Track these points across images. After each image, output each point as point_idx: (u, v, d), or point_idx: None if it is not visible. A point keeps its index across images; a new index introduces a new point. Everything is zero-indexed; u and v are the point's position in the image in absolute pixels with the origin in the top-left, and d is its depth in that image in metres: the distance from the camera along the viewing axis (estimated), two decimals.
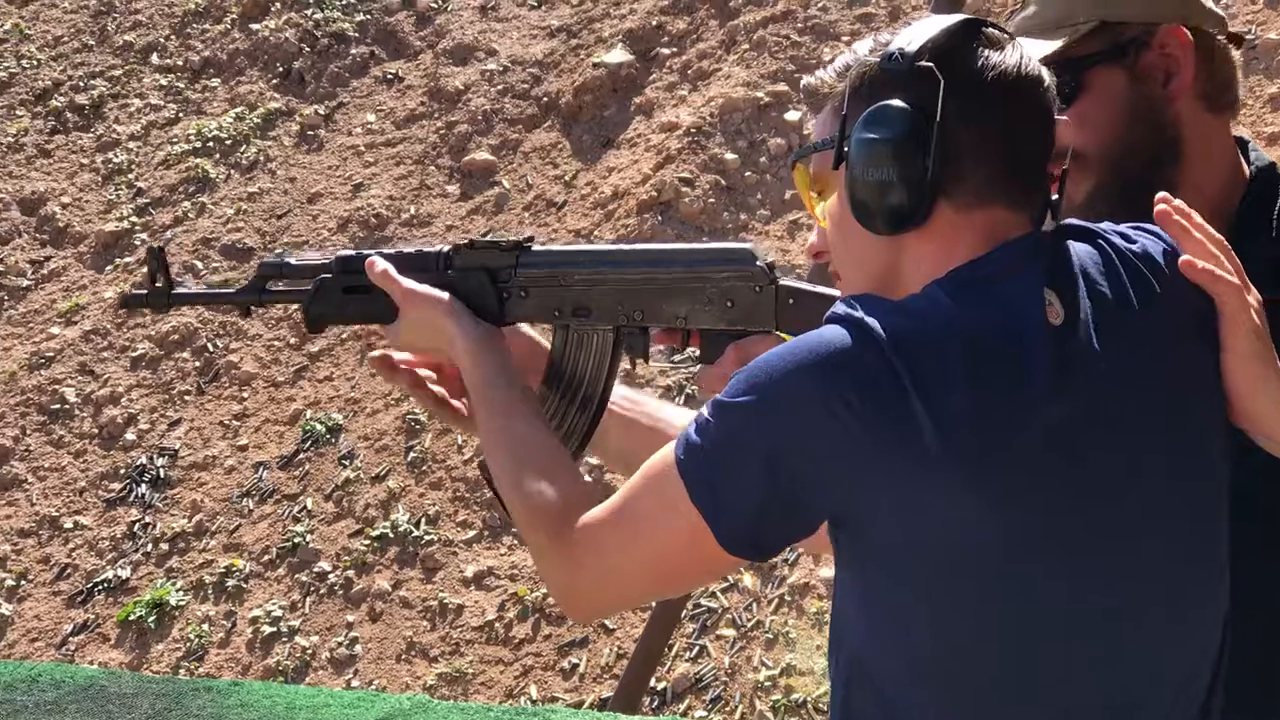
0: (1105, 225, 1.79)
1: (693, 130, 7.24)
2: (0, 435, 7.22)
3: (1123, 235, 1.77)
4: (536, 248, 2.20)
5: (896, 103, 1.68)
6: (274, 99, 8.46)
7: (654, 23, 7.93)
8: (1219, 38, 2.13)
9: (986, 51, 1.70)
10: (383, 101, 8.23)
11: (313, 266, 2.29)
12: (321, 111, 8.30)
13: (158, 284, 2.36)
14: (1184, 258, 1.72)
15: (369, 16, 8.64)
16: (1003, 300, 1.63)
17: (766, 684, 5.38)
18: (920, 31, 1.70)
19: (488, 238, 2.22)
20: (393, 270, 2.17)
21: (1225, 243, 1.76)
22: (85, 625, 6.36)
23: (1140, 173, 2.02)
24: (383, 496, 6.43)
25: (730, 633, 5.55)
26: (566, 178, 7.46)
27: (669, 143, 7.25)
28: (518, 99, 7.92)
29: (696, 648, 5.54)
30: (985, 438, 1.57)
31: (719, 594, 5.66)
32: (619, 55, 7.81)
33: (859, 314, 1.61)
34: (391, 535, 6.27)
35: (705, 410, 1.67)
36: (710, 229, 6.80)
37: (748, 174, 7.10)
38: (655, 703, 5.39)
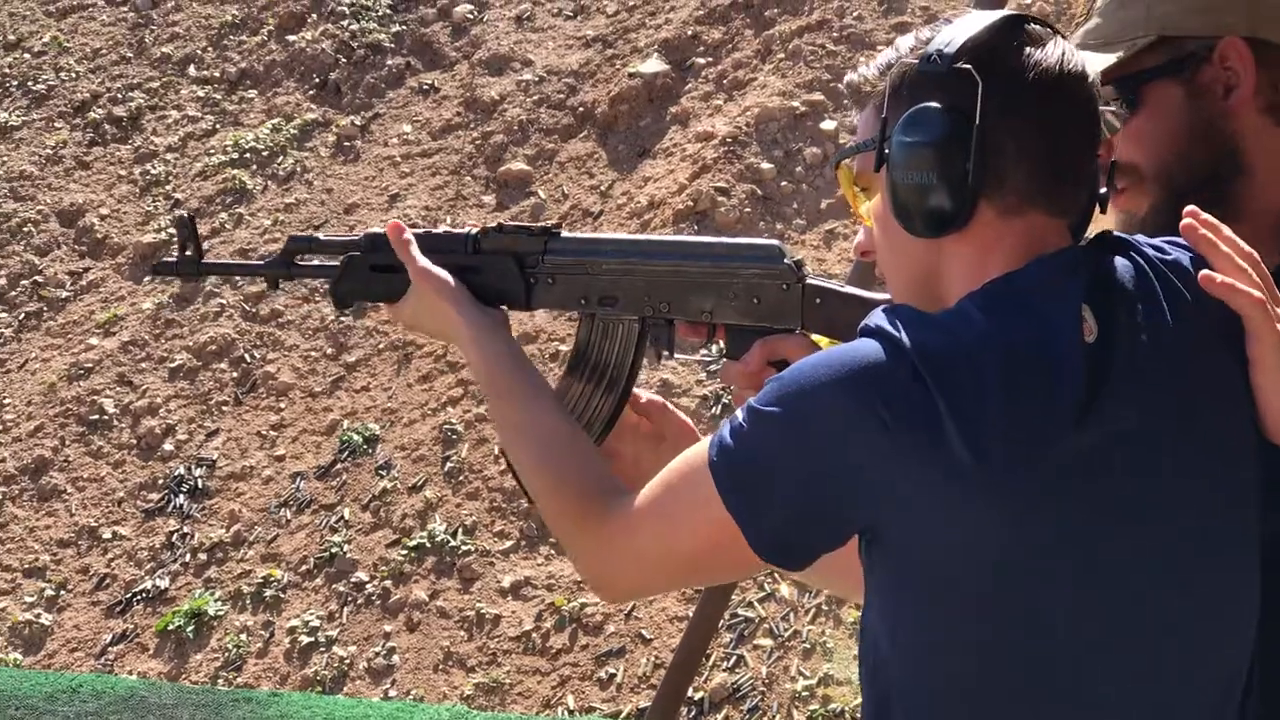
0: (1139, 237, 1.79)
1: (729, 140, 7.24)
2: (39, 446, 7.25)
3: (1156, 247, 1.77)
4: (565, 234, 2.19)
5: (935, 105, 1.67)
6: (310, 110, 8.49)
7: (689, 33, 7.93)
8: None
9: (1028, 49, 1.69)
10: (419, 112, 8.25)
11: (342, 243, 2.29)
12: (358, 122, 8.33)
13: (188, 253, 2.36)
14: (1203, 272, 1.70)
15: (405, 27, 8.67)
16: (1040, 315, 1.62)
17: (804, 694, 5.37)
18: (961, 30, 1.69)
19: (516, 222, 2.22)
20: (414, 245, 2.17)
21: (1255, 256, 1.74)
22: (124, 635, 6.37)
23: (1199, 188, 1.99)
24: (420, 507, 6.44)
25: (768, 642, 5.54)
26: (602, 188, 7.47)
27: (705, 152, 7.25)
28: (553, 109, 7.93)
29: (734, 657, 5.54)
30: (1017, 452, 1.56)
31: (756, 604, 5.65)
32: (655, 65, 7.82)
33: (891, 328, 1.61)
34: (429, 545, 6.28)
35: (740, 414, 1.68)
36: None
37: (784, 183, 7.10)
38: (693, 713, 5.38)
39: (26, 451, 7.24)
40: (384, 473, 6.64)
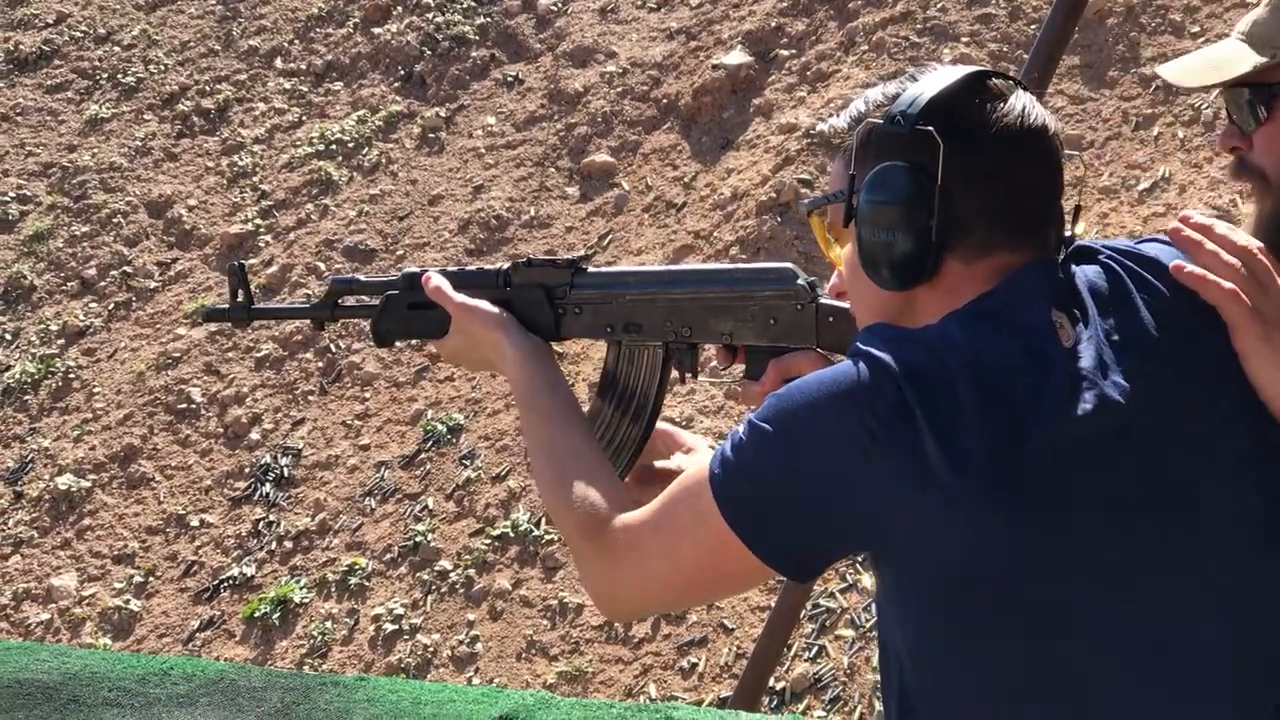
0: (1112, 241, 1.81)
1: (812, 132, 7.23)
2: (128, 434, 7.34)
3: (1126, 249, 1.79)
4: (591, 269, 2.26)
5: (899, 164, 1.71)
6: (395, 102, 8.54)
7: (773, 24, 7.93)
8: None
9: (990, 105, 1.72)
10: (503, 104, 8.28)
11: (381, 283, 2.39)
12: (442, 114, 8.37)
13: (239, 299, 2.48)
14: (1174, 262, 1.73)
15: (489, 19, 8.70)
16: (1014, 328, 1.66)
17: None
18: (925, 88, 1.73)
19: (545, 256, 2.30)
20: (446, 285, 2.24)
21: (1251, 250, 1.75)
22: (211, 621, 6.45)
23: None
24: (503, 496, 6.47)
25: (849, 633, 5.54)
26: (686, 179, 7.48)
27: (788, 144, 7.25)
28: (637, 101, 7.95)
29: (815, 648, 5.54)
30: (997, 464, 1.59)
31: (838, 594, 5.66)
32: (738, 57, 7.82)
33: (876, 349, 1.65)
34: (512, 534, 6.31)
35: (741, 428, 1.72)
36: None
37: None
38: (774, 703, 5.39)
39: (116, 440, 7.33)
40: (468, 462, 6.68)
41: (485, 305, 2.22)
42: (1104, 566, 1.63)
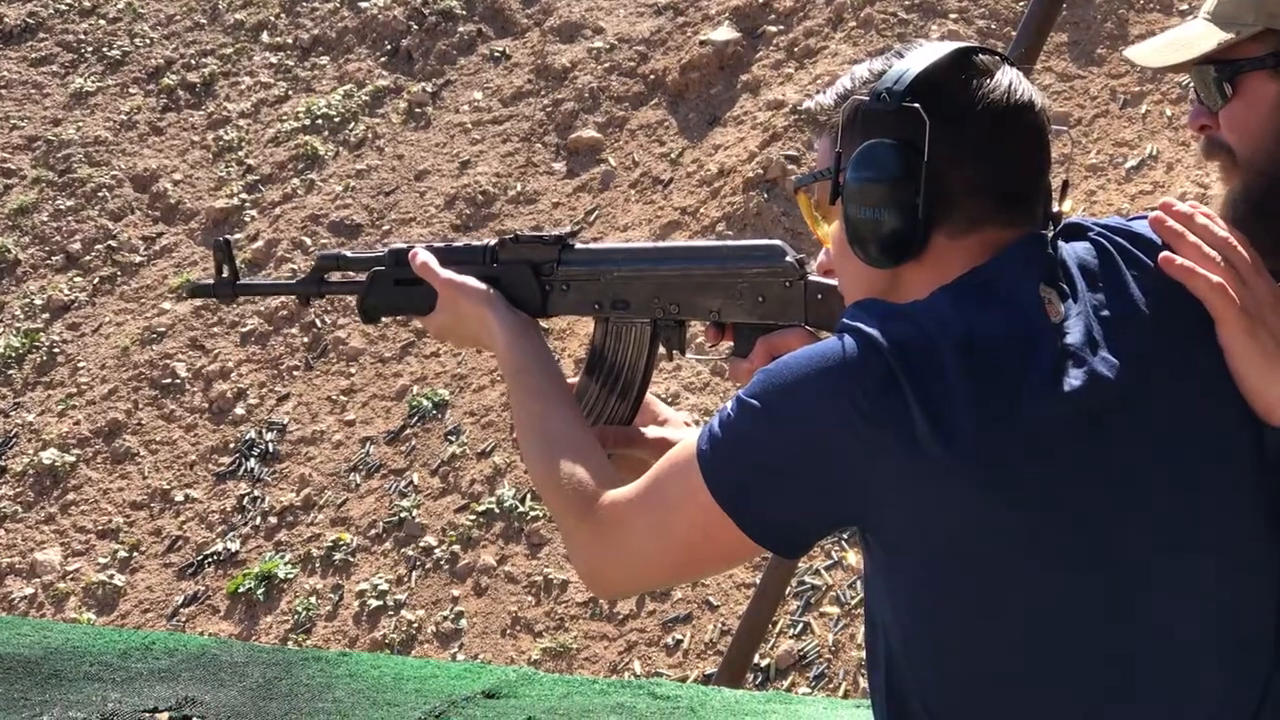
0: (1102, 219, 1.81)
1: (799, 108, 7.22)
2: (113, 409, 7.32)
3: (1117, 226, 1.79)
4: (579, 245, 2.25)
5: (886, 141, 1.70)
6: (382, 77, 8.52)
7: (760, 0, 7.91)
8: None
9: (975, 81, 1.72)
10: (490, 79, 8.26)
11: (367, 259, 2.37)
12: (429, 89, 8.35)
13: (224, 274, 2.45)
14: (1162, 254, 1.73)
15: None
16: (1003, 302, 1.66)
17: None
18: (910, 64, 1.72)
19: (532, 232, 2.29)
20: (433, 261, 2.23)
21: (1231, 242, 1.75)
22: (196, 597, 6.44)
23: None
24: (488, 472, 6.46)
25: (834, 610, 5.55)
26: (673, 155, 7.47)
27: (775, 120, 7.24)
28: (624, 77, 7.94)
29: (800, 625, 5.54)
30: (986, 438, 1.59)
31: (823, 571, 5.66)
32: (725, 33, 7.81)
33: (864, 324, 1.64)
34: (497, 510, 6.31)
35: (729, 405, 1.71)
36: None
37: None
38: (759, 679, 5.40)
39: (100, 414, 7.31)
40: (453, 438, 6.67)
41: (472, 281, 2.21)
42: (1096, 543, 1.63)
